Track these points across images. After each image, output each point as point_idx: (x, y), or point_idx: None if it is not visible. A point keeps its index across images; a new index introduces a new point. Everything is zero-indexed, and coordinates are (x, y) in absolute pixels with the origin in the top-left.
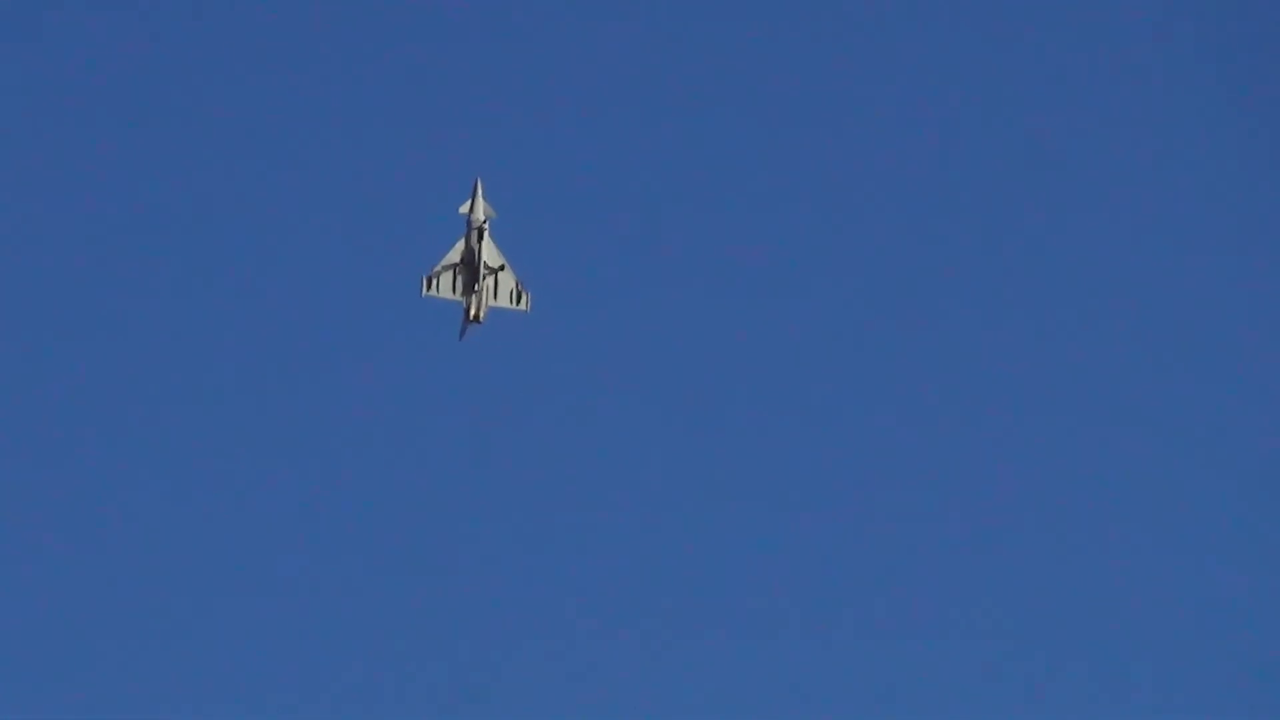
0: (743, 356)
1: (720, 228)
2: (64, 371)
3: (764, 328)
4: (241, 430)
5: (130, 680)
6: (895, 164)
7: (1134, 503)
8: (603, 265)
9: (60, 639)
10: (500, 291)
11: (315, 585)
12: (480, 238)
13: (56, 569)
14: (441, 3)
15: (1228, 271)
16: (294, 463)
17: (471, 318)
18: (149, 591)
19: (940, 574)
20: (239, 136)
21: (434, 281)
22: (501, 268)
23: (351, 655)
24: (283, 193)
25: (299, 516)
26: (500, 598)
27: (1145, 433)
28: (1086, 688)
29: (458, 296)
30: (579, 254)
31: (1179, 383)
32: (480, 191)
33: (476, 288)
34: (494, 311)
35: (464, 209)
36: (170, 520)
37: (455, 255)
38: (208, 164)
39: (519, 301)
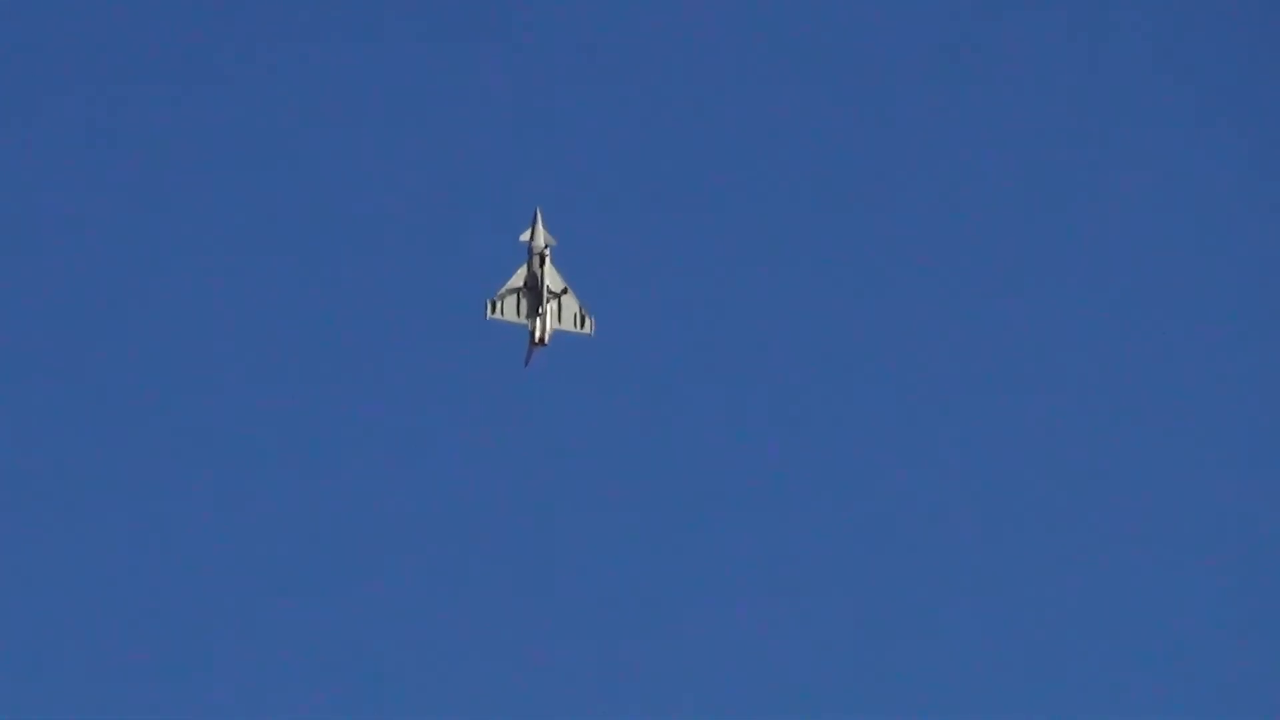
0: (808, 371)
1: (780, 241)
2: (121, 393)
3: (828, 338)
4: (305, 452)
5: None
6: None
7: (1133, 503)
8: (664, 287)
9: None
10: (564, 315)
11: (378, 606)
12: (542, 263)
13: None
14: (507, 32)
15: (1228, 273)
16: (359, 485)
17: (536, 341)
18: (211, 609)
19: (947, 575)
20: (299, 167)
21: (498, 304)
22: (564, 291)
23: (420, 680)
24: (341, 219)
25: (362, 538)
26: (560, 618)
27: (1144, 432)
28: (1086, 688)
29: (522, 319)
30: (641, 278)
31: (1179, 383)
32: (540, 220)
33: (540, 310)
34: (558, 335)
35: (524, 237)
36: (227, 541)
37: (518, 280)
38: (266, 189)
39: (583, 325)
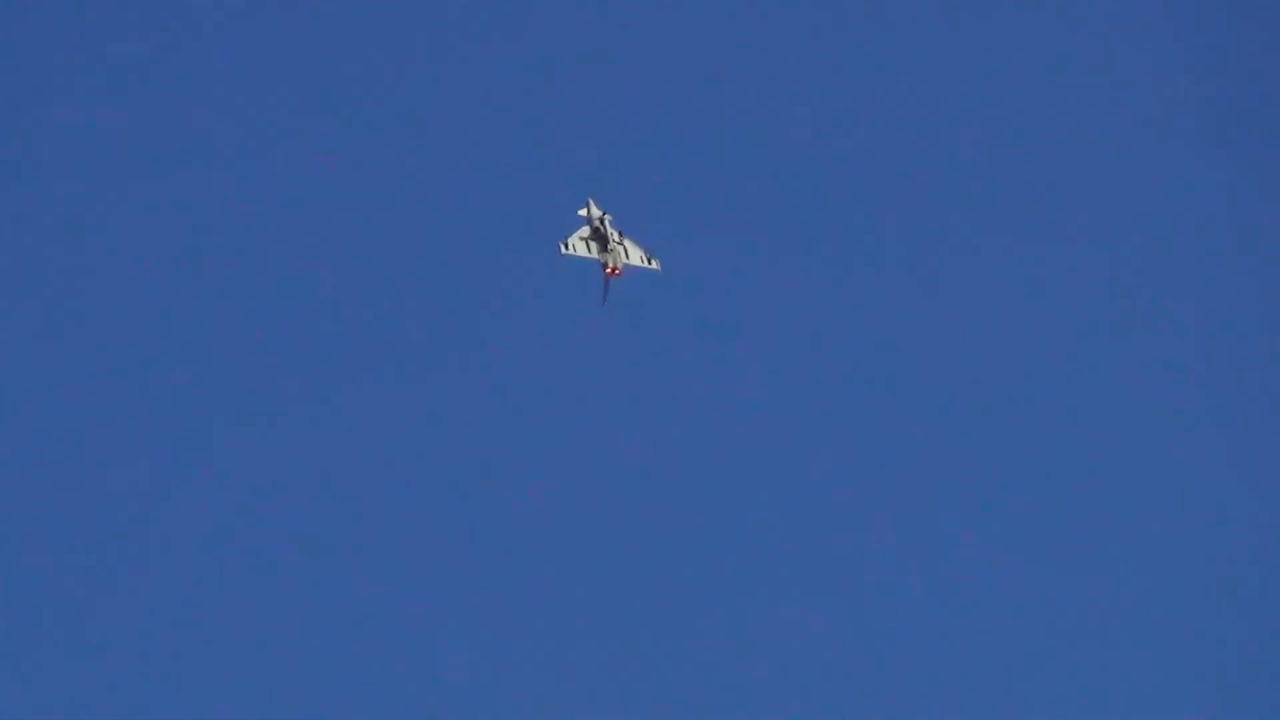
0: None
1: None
2: (208, 368)
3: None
4: (410, 390)
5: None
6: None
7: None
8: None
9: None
10: (631, 255)
11: (465, 539)
12: (602, 222)
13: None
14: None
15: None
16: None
17: (610, 271)
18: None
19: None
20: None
21: (570, 244)
22: (623, 236)
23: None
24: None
25: (459, 460)
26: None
27: (1144, 432)
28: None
29: (594, 255)
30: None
31: (1180, 383)
32: (593, 202)
33: (609, 248)
34: (629, 269)
35: (581, 212)
36: (315, 480)
37: (585, 230)
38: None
39: (649, 263)
